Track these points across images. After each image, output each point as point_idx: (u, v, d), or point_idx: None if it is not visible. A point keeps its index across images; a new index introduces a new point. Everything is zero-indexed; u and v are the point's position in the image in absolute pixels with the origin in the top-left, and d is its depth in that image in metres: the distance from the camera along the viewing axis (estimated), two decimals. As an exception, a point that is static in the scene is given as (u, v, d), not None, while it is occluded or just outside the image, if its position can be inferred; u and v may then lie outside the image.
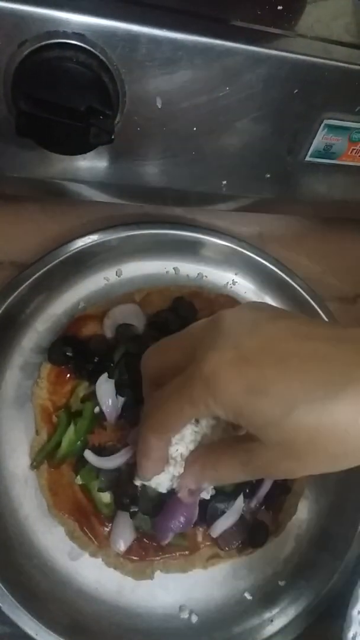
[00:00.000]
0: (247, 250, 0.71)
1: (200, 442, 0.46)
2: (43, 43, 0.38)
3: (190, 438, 0.46)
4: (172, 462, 0.46)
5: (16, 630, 0.52)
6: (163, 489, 0.48)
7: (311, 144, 0.50)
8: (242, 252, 0.71)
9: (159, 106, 0.43)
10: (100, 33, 0.38)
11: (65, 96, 0.38)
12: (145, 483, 0.48)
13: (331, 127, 0.48)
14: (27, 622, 0.52)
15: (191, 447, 0.46)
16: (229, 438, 0.46)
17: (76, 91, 0.38)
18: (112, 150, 0.46)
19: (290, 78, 0.44)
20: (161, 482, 0.48)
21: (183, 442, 0.46)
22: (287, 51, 0.43)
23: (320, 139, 0.49)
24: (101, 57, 0.39)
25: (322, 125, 0.48)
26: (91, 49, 0.38)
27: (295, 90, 0.45)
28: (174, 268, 0.70)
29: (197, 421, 0.46)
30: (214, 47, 0.41)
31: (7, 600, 0.52)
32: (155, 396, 0.41)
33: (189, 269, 0.71)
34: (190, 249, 0.70)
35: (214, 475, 0.44)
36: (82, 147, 0.42)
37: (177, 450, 0.46)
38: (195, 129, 0.46)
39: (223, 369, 0.34)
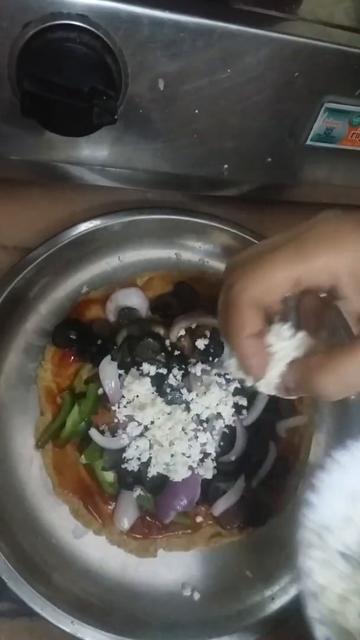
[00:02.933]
0: (249, 236, 0.71)
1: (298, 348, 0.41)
2: (47, 24, 0.38)
3: (288, 335, 0.41)
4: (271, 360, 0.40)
5: (22, 606, 0.54)
6: (271, 391, 0.42)
7: (312, 127, 0.50)
8: (243, 237, 0.71)
9: (161, 88, 0.43)
10: (104, 14, 0.39)
11: (69, 77, 0.38)
12: (257, 387, 0.42)
13: (332, 111, 0.49)
14: (32, 598, 0.53)
15: (290, 349, 0.40)
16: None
17: (80, 72, 0.39)
18: (115, 132, 0.47)
19: (291, 61, 0.45)
20: (269, 383, 0.41)
21: (280, 338, 0.40)
22: (288, 34, 0.43)
23: (321, 122, 0.50)
24: (104, 38, 0.39)
25: (323, 108, 0.49)
26: (95, 30, 0.39)
27: (296, 74, 0.45)
28: (175, 253, 0.71)
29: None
30: (216, 29, 0.41)
31: (13, 576, 0.53)
32: (252, 252, 0.37)
33: (190, 254, 0.71)
34: (192, 235, 0.71)
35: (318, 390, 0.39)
36: (85, 128, 0.42)
37: (275, 347, 0.40)
38: (196, 111, 0.46)
39: (346, 228, 0.35)
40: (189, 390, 0.59)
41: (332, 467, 0.47)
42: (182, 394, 0.59)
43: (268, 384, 0.41)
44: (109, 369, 0.59)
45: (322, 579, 0.45)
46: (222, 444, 0.59)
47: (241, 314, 0.37)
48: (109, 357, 0.60)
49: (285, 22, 0.45)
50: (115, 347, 0.61)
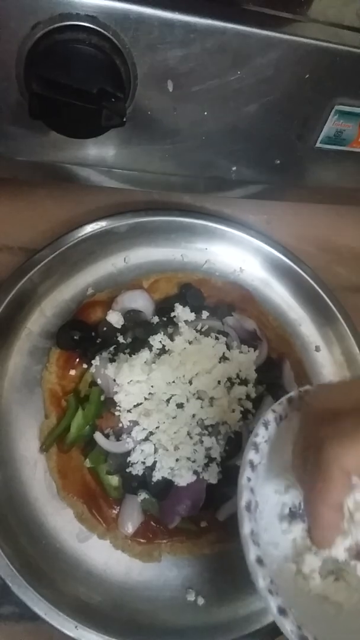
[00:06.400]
0: (255, 238, 0.71)
1: None
2: (56, 25, 0.38)
3: None
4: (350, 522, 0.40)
5: (25, 610, 0.53)
6: (342, 557, 0.41)
7: (321, 130, 0.50)
8: (249, 239, 0.71)
9: (170, 89, 0.43)
10: (113, 15, 0.38)
11: (78, 78, 0.38)
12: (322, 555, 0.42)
13: (342, 113, 0.48)
14: (36, 603, 0.53)
15: None
16: None
17: (88, 73, 0.38)
18: (123, 134, 0.46)
19: (302, 63, 0.44)
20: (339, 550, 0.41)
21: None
22: (299, 36, 0.43)
23: (331, 125, 0.49)
24: (113, 39, 0.39)
25: (333, 111, 0.48)
26: (103, 32, 0.38)
27: (307, 75, 0.45)
28: (181, 255, 0.71)
29: None
30: (226, 31, 0.41)
31: (16, 580, 0.53)
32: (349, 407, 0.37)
33: (196, 256, 0.71)
34: (198, 236, 0.70)
35: None
36: (93, 130, 0.42)
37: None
38: (205, 113, 0.46)
39: None
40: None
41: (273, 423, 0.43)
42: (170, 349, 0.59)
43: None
44: (101, 363, 0.59)
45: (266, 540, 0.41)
46: (227, 448, 0.59)
47: (333, 482, 0.36)
48: (103, 353, 0.60)
49: (295, 24, 0.44)
50: (115, 347, 0.61)
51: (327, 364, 0.71)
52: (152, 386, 0.57)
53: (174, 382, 0.58)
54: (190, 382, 0.58)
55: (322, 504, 0.37)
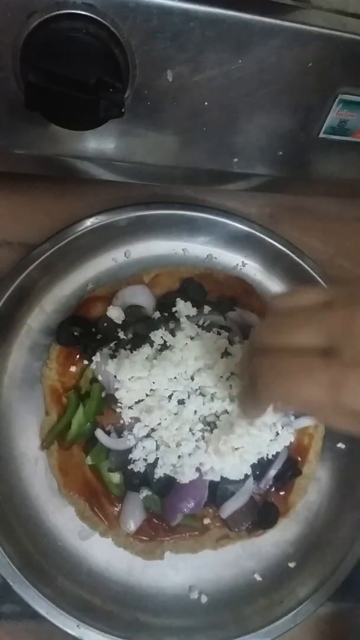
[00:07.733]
0: (258, 232, 0.70)
1: None
2: (52, 14, 0.37)
3: None
4: None
5: (26, 608, 0.53)
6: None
7: (325, 120, 0.49)
8: (252, 233, 0.70)
9: (170, 79, 0.42)
10: (111, 3, 0.37)
11: (75, 68, 0.37)
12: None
13: (346, 103, 0.47)
14: (37, 601, 0.53)
15: None
16: None
17: (86, 63, 0.38)
18: (122, 125, 0.46)
19: (304, 51, 0.43)
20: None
21: None
22: (301, 23, 0.42)
23: (335, 114, 0.48)
24: (111, 28, 0.38)
25: (337, 100, 0.47)
26: (101, 20, 0.37)
27: (310, 64, 0.44)
28: (183, 249, 0.70)
29: None
30: (226, 18, 0.40)
31: (17, 579, 0.53)
32: (280, 368, 0.37)
33: (198, 250, 0.70)
34: (200, 230, 0.69)
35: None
36: (91, 122, 0.41)
37: None
38: (206, 103, 0.45)
39: None
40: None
41: None
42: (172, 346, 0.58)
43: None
44: (102, 359, 0.59)
45: None
46: (230, 444, 0.58)
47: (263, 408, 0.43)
48: (104, 349, 0.59)
49: (298, 11, 0.43)
50: (116, 343, 0.60)
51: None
52: (153, 382, 0.56)
53: (175, 378, 0.57)
54: (192, 378, 0.58)
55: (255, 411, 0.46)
